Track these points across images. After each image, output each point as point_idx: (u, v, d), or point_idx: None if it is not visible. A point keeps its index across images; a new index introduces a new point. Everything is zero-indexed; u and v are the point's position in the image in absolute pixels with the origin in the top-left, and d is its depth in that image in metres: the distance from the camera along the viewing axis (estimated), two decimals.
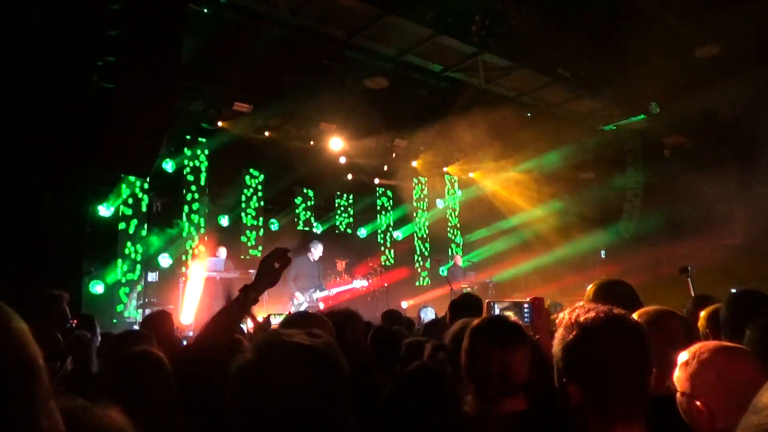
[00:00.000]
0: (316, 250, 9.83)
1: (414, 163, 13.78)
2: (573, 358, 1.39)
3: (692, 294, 6.24)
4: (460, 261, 12.95)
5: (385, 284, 11.97)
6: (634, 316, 1.90)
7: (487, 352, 1.88)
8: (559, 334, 1.44)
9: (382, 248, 13.65)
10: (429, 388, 1.64)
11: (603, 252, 12.87)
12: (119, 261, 9.60)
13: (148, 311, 9.16)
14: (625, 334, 1.38)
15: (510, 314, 2.34)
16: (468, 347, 1.94)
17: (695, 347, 1.60)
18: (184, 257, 10.32)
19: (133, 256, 9.79)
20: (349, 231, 13.38)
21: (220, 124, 10.61)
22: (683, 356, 1.60)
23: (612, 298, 2.32)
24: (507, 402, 1.83)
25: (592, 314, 1.41)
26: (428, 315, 6.04)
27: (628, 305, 2.12)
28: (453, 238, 15.01)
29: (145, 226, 10.04)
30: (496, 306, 2.41)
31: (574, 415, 1.40)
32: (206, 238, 10.44)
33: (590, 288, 2.58)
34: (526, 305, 2.30)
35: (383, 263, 11.65)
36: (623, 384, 1.34)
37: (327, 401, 1.13)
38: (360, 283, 10.22)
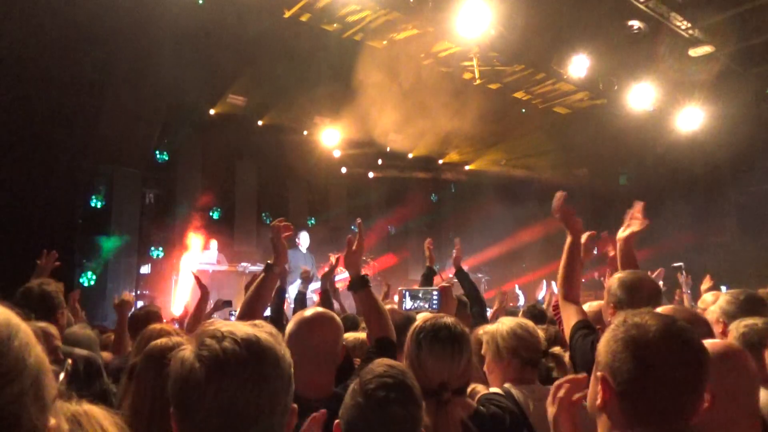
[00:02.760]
0: (303, 240, 9.90)
1: (410, 156, 13.92)
2: (617, 358, 1.31)
3: (685, 292, 6.42)
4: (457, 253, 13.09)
5: (379, 278, 12.08)
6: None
7: (436, 359, 1.92)
8: (610, 329, 1.38)
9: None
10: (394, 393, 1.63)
11: (595, 249, 13.02)
12: (110, 253, 9.69)
13: (140, 303, 9.29)
14: (682, 348, 1.30)
15: (420, 301, 2.49)
16: (415, 352, 1.96)
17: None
18: (176, 250, 10.41)
19: (125, 248, 9.89)
20: (343, 225, 13.49)
21: (212, 113, 10.68)
22: None
23: (637, 295, 2.44)
24: (456, 403, 1.88)
25: (651, 319, 1.34)
26: None
27: (653, 303, 2.28)
28: (449, 231, 15.15)
29: (138, 218, 10.14)
30: (407, 294, 2.57)
31: (602, 413, 1.34)
32: (198, 231, 10.53)
33: (613, 281, 2.58)
34: (435, 293, 2.45)
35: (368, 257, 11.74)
36: (665, 399, 1.28)
37: (270, 396, 1.14)
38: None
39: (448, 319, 2.05)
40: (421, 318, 2.18)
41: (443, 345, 1.93)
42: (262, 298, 2.66)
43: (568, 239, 2.86)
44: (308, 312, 2.27)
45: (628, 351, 1.30)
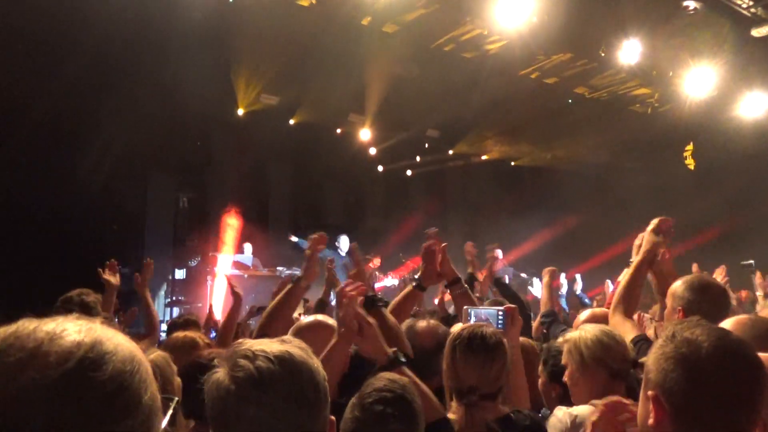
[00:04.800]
0: (343, 244, 9.96)
1: (450, 152, 13.83)
2: (669, 377, 1.30)
3: (758, 292, 6.15)
4: (500, 254, 12.91)
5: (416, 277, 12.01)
6: (728, 326, 1.89)
7: (467, 365, 2.11)
8: (659, 345, 1.36)
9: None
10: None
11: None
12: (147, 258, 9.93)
13: (176, 310, 9.52)
14: (737, 365, 1.28)
15: (484, 319, 2.53)
16: (450, 357, 2.17)
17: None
18: (211, 253, 10.60)
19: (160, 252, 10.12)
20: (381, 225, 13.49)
21: (244, 113, 10.80)
22: None
23: (707, 295, 2.47)
24: (485, 407, 2.07)
25: (701, 331, 1.31)
26: None
27: (720, 309, 2.33)
28: (490, 228, 14.95)
29: (173, 222, 10.37)
30: (472, 313, 2.61)
31: None
32: (233, 234, 10.68)
33: (679, 284, 2.58)
34: (500, 313, 2.47)
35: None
36: (721, 419, 1.26)
37: (309, 410, 1.18)
38: (391, 282, 10.35)
39: (486, 330, 2.20)
40: (460, 326, 2.36)
41: (475, 353, 2.13)
42: (285, 309, 2.73)
43: (640, 257, 2.89)
44: (305, 319, 2.44)
45: (680, 369, 1.29)
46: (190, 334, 3.31)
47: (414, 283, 3.12)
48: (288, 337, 1.29)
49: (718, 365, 1.27)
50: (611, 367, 2.31)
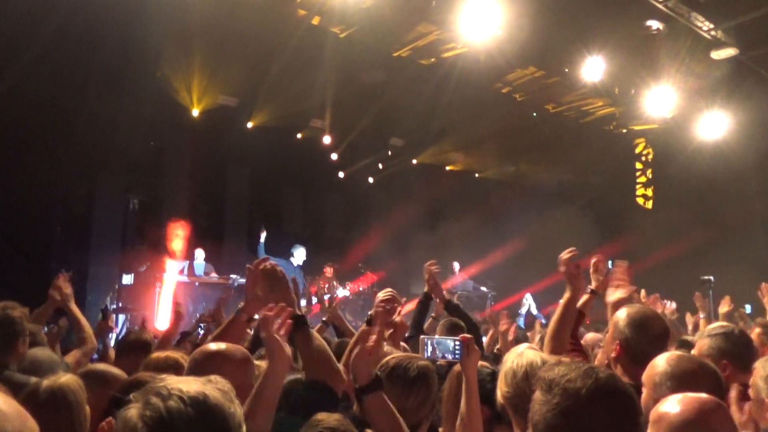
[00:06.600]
0: (298, 255, 9.98)
1: (414, 161, 13.99)
2: (553, 424, 1.42)
3: (710, 311, 6.41)
4: (456, 267, 13.13)
5: (375, 289, 12.10)
6: (662, 362, 2.07)
7: (387, 394, 2.17)
8: (537, 395, 1.48)
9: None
10: None
11: (611, 262, 13.02)
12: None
13: (122, 317, 9.38)
14: (612, 402, 1.43)
15: (440, 350, 2.61)
16: None
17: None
18: (161, 259, 10.46)
19: (107, 257, 9.97)
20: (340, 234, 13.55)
21: (200, 114, 10.74)
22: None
23: (645, 333, 2.56)
24: None
25: (574, 377, 1.44)
26: None
27: (657, 350, 2.38)
28: (454, 241, 15.17)
29: (121, 225, 10.22)
30: (428, 342, 2.67)
31: None
32: (185, 240, 10.58)
33: (623, 316, 2.65)
34: (457, 343, 2.53)
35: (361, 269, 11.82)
36: None
37: None
38: (343, 292, 10.40)
39: (412, 362, 2.38)
40: (393, 355, 2.52)
41: (394, 384, 2.30)
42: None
43: (567, 295, 2.97)
44: (211, 346, 2.24)
45: (565, 421, 1.41)
46: (172, 354, 3.25)
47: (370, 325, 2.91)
48: (214, 377, 1.28)
49: (599, 409, 1.41)
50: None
